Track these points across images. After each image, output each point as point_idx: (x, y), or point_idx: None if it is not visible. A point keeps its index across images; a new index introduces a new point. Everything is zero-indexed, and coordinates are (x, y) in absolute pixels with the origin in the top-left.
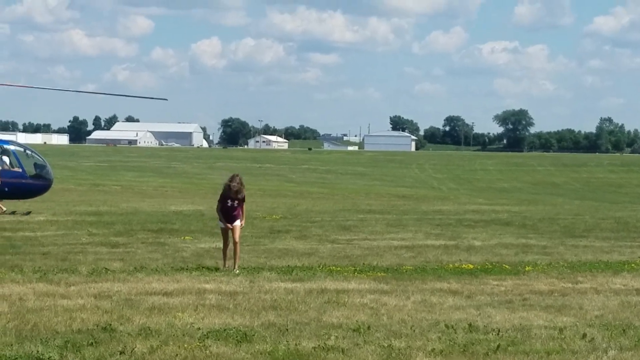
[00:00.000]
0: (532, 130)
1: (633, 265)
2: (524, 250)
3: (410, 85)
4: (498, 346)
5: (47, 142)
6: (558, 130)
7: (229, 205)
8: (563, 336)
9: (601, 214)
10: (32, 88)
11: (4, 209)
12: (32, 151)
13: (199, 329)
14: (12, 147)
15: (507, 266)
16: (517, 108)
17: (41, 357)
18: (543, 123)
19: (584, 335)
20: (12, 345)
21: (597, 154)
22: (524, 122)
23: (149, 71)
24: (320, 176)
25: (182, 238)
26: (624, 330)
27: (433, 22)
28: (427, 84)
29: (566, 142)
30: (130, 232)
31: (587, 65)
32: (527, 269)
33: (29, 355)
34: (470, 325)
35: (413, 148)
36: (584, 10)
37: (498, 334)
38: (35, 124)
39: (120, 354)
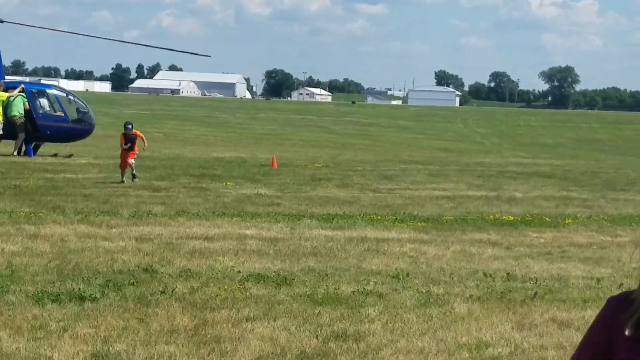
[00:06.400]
0: (578, 88)
1: None
2: (565, 202)
3: (456, 39)
4: (535, 293)
5: (89, 90)
6: (604, 89)
7: None
8: (600, 286)
9: None
10: (76, 34)
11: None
12: (74, 96)
13: (239, 272)
14: (54, 92)
15: (547, 218)
16: (563, 65)
17: (83, 294)
18: (589, 81)
19: (621, 285)
20: (54, 282)
21: None
22: (569, 80)
23: (193, 18)
24: (363, 129)
25: (224, 184)
26: None
27: None
28: (473, 37)
29: (611, 100)
30: (172, 176)
31: (638, 21)
32: (567, 221)
33: (71, 292)
34: (508, 274)
35: (457, 104)
36: None
37: (536, 283)
38: (77, 70)
39: (161, 293)
